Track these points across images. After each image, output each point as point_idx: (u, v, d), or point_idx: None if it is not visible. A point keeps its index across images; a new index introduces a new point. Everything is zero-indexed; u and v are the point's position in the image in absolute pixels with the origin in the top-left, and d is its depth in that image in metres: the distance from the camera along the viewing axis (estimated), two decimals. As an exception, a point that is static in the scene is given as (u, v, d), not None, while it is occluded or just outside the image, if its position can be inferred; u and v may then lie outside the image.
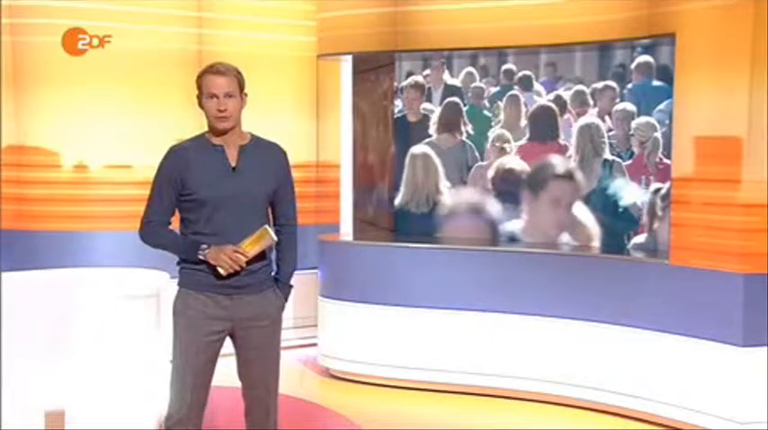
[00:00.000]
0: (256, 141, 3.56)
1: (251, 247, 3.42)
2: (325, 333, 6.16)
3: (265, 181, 3.52)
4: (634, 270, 5.23)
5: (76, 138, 6.34)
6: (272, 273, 3.62)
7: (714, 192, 4.83)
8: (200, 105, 3.48)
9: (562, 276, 5.47)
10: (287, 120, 6.65)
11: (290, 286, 3.65)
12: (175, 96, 6.28)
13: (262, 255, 3.49)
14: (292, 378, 5.99)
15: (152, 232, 3.52)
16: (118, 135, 6.35)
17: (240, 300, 3.49)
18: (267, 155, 3.56)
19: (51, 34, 6.24)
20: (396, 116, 6.40)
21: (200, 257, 3.42)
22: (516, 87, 6.04)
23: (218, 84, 3.41)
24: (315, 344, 6.34)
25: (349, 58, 6.40)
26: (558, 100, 5.90)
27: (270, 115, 6.10)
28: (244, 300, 3.49)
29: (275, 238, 3.46)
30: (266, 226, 3.47)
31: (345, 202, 6.58)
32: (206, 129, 3.53)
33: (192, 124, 5.52)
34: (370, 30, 5.97)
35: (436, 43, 5.88)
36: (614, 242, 5.71)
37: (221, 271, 3.42)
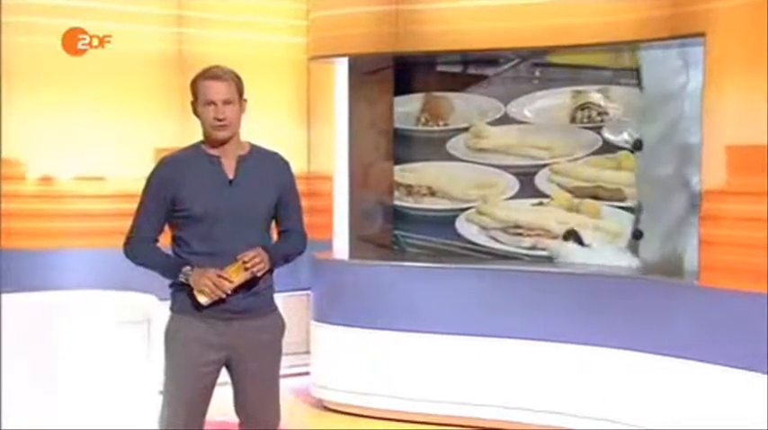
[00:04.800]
0: (256, 151, 3.47)
1: (236, 274, 3.23)
2: (319, 361, 6.04)
3: (265, 194, 3.42)
4: (660, 291, 5.08)
5: (43, 148, 6.17)
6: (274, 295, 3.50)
7: (748, 206, 4.66)
8: (195, 113, 3.38)
9: (581, 298, 5.32)
10: (275, 128, 6.43)
11: (275, 261, 3.37)
12: (153, 101, 6.18)
13: (252, 281, 3.29)
14: (282, 410, 5.68)
15: (137, 250, 3.42)
16: (88, 143, 6.20)
17: (239, 325, 3.35)
18: (267, 166, 3.47)
19: (20, 34, 6.04)
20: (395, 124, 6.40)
21: (182, 280, 3.29)
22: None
23: (215, 89, 3.31)
24: (307, 373, 6.21)
25: (344, 60, 6.31)
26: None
27: (256, 122, 5.79)
28: (243, 325, 3.36)
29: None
30: None
31: (339, 217, 6.44)
32: (201, 138, 3.42)
33: (172, 131, 5.70)
34: (367, 30, 5.88)
35: (438, 44, 5.77)
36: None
37: (201, 298, 3.25)
